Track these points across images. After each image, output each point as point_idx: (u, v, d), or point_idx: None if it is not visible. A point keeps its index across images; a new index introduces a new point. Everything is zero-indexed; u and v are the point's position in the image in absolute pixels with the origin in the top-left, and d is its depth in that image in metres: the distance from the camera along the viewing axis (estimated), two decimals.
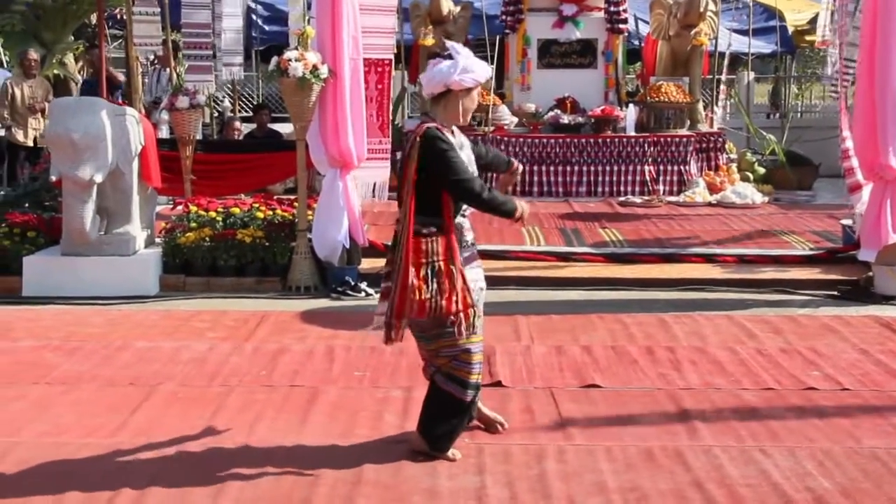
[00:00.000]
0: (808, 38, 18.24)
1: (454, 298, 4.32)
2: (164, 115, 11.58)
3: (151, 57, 13.57)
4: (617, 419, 5.09)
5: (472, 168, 4.47)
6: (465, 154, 4.47)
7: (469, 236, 4.56)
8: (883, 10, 7.44)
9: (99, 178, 7.62)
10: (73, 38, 15.16)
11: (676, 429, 4.94)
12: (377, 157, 8.66)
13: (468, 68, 4.38)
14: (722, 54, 15.38)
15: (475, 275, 4.54)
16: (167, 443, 4.70)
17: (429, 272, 4.31)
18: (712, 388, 5.58)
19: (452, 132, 4.48)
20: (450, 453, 4.51)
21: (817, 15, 15.27)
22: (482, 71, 4.44)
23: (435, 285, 4.31)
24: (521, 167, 5.00)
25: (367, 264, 8.35)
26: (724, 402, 5.34)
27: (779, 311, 7.41)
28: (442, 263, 4.32)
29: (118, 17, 16.63)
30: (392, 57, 8.79)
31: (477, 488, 4.20)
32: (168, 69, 12.69)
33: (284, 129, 13.34)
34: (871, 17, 7.56)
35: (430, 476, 4.32)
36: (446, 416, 4.52)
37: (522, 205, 4.52)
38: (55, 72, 14.32)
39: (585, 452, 4.61)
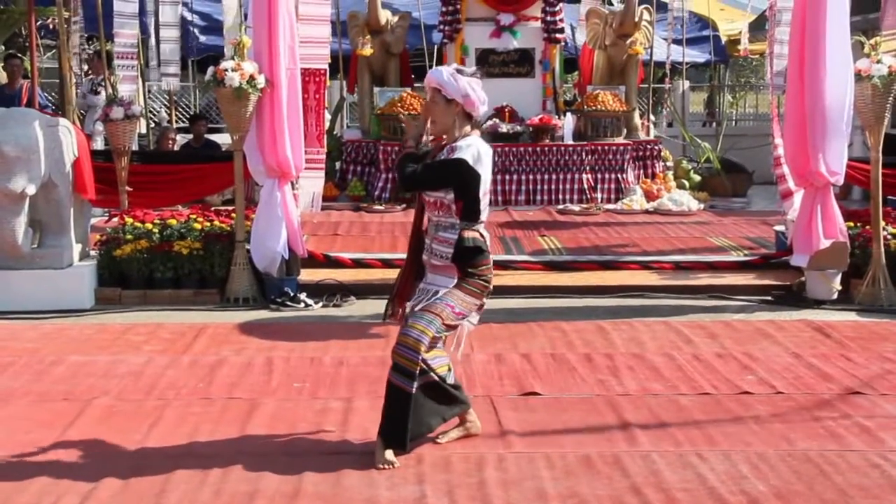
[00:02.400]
0: (740, 47, 18.56)
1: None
2: (99, 126, 11.42)
3: (86, 67, 13.45)
4: (556, 426, 5.12)
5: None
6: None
7: (439, 247, 4.63)
8: (811, 19, 7.59)
9: (31, 191, 7.48)
10: (3, 47, 14.90)
11: (615, 435, 4.98)
12: (315, 167, 8.64)
13: None
14: (658, 63, 15.57)
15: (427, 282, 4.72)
16: (102, 458, 4.63)
17: None
18: (650, 394, 5.64)
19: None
20: (385, 462, 4.51)
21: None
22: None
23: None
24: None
25: (306, 275, 8.32)
26: (661, 407, 5.40)
27: (714, 317, 7.52)
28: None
29: (50, 27, 16.38)
30: (327, 66, 8.77)
31: (417, 498, 4.20)
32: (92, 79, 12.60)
33: (222, 139, 13.24)
34: (800, 25, 7.71)
35: (369, 486, 4.31)
36: (389, 407, 4.61)
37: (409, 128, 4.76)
38: None
39: (525, 460, 4.62)
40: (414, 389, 4.56)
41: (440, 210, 4.62)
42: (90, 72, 13.70)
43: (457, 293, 4.60)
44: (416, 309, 4.62)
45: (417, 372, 4.55)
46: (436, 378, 4.72)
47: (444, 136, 4.67)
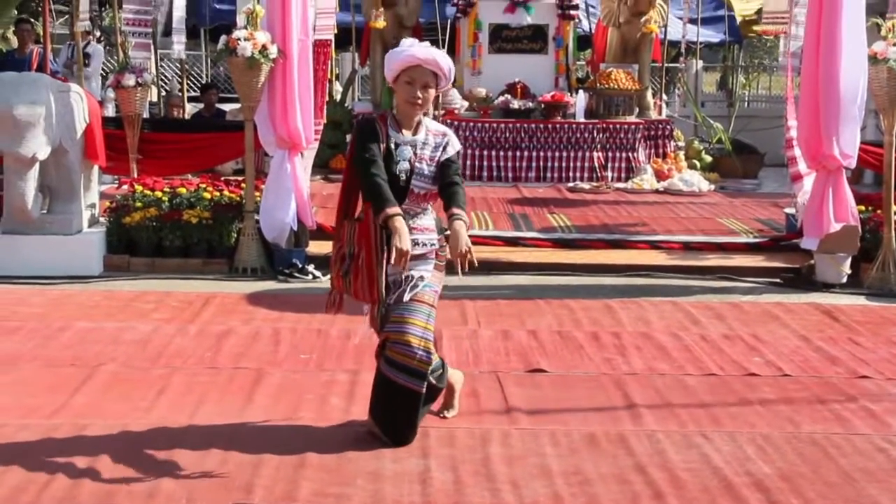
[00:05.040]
0: (755, 27, 18.42)
1: (360, 285, 4.34)
2: (110, 93, 11.41)
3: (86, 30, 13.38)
4: (562, 403, 5.12)
5: (399, 166, 4.31)
6: (402, 150, 4.32)
7: (419, 235, 4.38)
8: (828, 2, 7.52)
9: (42, 156, 7.48)
10: (16, 12, 14.88)
11: (620, 413, 4.98)
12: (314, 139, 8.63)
13: (388, 59, 4.42)
14: (672, 42, 15.46)
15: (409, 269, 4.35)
16: (108, 425, 4.64)
17: (346, 253, 4.38)
18: (656, 374, 5.63)
19: (399, 124, 4.38)
20: None
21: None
22: (399, 59, 4.33)
23: (347, 267, 4.37)
24: (455, 250, 4.21)
25: (314, 247, 8.31)
26: (667, 387, 5.40)
27: (722, 298, 7.50)
28: (356, 248, 4.34)
29: None
30: (332, 37, 8.73)
31: (421, 471, 4.21)
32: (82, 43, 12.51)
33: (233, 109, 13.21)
34: (817, 6, 7.65)
35: (374, 459, 4.31)
36: (395, 407, 4.44)
37: (400, 232, 4.08)
38: None
39: (530, 436, 4.63)
40: (424, 388, 4.42)
41: (424, 201, 4.42)
42: (72, 40, 13.63)
43: (436, 274, 4.51)
44: (406, 299, 4.36)
45: (429, 371, 4.42)
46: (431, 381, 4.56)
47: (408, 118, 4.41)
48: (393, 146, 4.35)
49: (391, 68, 4.39)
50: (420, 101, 4.36)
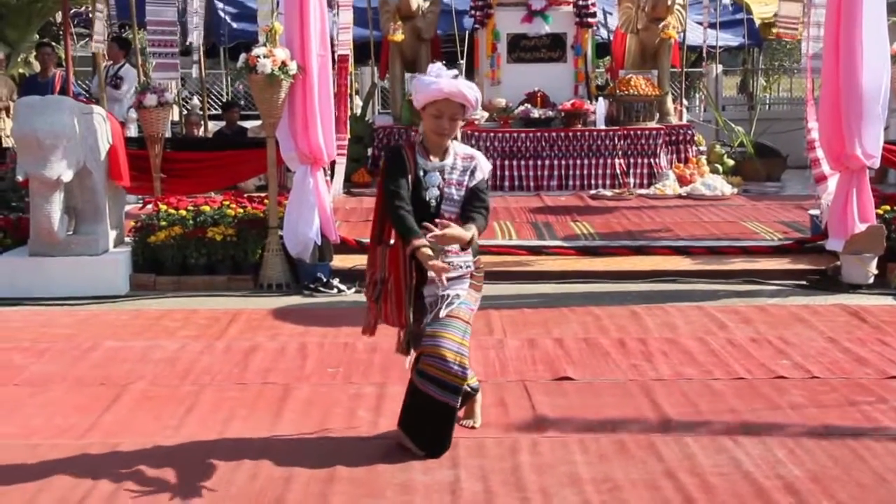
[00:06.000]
0: (774, 30, 18.33)
1: (389, 309, 4.43)
2: (133, 114, 11.49)
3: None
4: (590, 411, 5.11)
5: (429, 192, 4.38)
6: (430, 177, 4.39)
7: (455, 258, 4.42)
8: (847, 1, 7.50)
9: (66, 178, 7.55)
10: (38, 36, 15.02)
11: (648, 419, 4.97)
12: (341, 153, 8.67)
13: (415, 88, 4.48)
14: (691, 47, 15.41)
15: (438, 289, 4.39)
16: (139, 443, 4.67)
17: (378, 278, 4.46)
18: (684, 379, 5.61)
19: (427, 150, 4.44)
20: None
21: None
22: (426, 93, 4.38)
23: (379, 292, 4.45)
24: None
25: (338, 261, 8.34)
26: (695, 392, 5.38)
27: (748, 301, 7.47)
28: (386, 273, 4.42)
29: (84, 15, 16.49)
30: (349, 51, 8.78)
31: (451, 482, 4.21)
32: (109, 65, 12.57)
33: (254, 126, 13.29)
34: (836, 7, 7.63)
35: (403, 471, 4.32)
36: (430, 420, 4.46)
37: (431, 258, 4.20)
38: (20, 70, 14.19)
39: (559, 444, 4.62)
40: (458, 403, 4.48)
41: (456, 224, 4.42)
42: (107, 58, 13.71)
43: (472, 293, 4.54)
44: (441, 315, 4.40)
45: (464, 386, 4.45)
46: (467, 389, 4.60)
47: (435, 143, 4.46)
48: (421, 173, 4.41)
49: (418, 98, 4.46)
50: (447, 133, 4.43)
